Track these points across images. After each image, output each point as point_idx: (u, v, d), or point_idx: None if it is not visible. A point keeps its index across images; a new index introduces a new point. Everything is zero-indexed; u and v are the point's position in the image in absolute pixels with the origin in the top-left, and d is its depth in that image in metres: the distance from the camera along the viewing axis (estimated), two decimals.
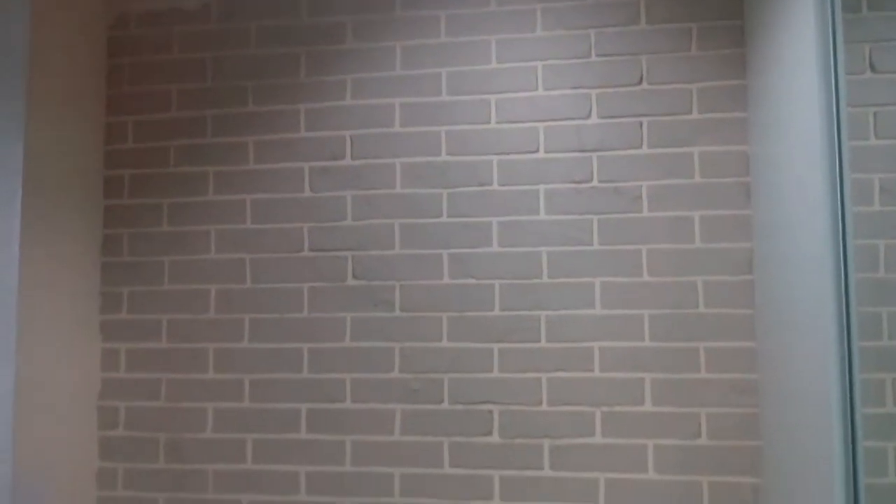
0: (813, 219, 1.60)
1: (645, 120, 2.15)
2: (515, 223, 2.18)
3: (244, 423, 2.26)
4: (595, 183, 2.16)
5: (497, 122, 2.22)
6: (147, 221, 2.37)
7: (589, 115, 2.18)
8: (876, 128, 1.82)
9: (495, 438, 2.14)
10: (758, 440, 2.02)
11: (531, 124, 2.20)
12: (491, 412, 2.14)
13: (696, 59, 2.15)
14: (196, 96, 2.38)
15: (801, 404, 1.67)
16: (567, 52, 2.20)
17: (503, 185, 2.20)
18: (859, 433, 1.47)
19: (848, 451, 1.47)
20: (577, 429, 2.10)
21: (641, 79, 2.16)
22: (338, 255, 2.26)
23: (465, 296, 2.19)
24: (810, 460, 1.62)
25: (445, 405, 2.16)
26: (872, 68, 1.84)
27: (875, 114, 1.82)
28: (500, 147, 2.21)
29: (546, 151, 2.18)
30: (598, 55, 2.19)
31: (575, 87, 2.19)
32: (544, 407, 2.12)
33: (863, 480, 1.46)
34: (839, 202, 1.53)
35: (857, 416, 1.47)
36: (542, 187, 2.18)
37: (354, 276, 2.24)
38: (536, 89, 2.21)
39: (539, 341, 2.14)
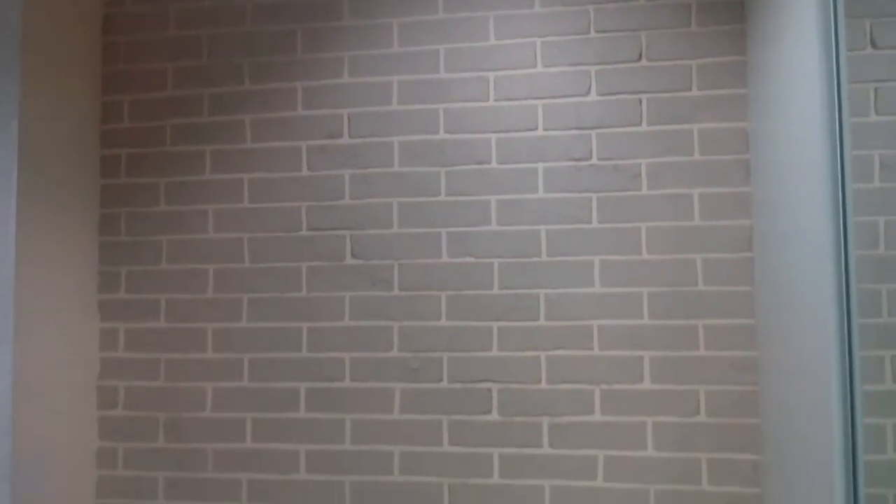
0: (813, 196, 1.59)
1: (644, 97, 2.14)
2: (514, 201, 2.17)
3: (243, 403, 2.26)
4: (594, 161, 2.15)
5: (495, 100, 2.20)
6: (144, 201, 2.36)
7: (588, 92, 2.16)
8: (876, 104, 1.81)
9: (494, 416, 2.14)
10: (757, 417, 2.03)
11: (530, 101, 2.18)
12: (490, 390, 2.15)
13: (696, 35, 2.13)
14: (192, 74, 2.36)
15: (801, 381, 1.67)
16: (566, 28, 2.18)
17: (502, 164, 2.18)
18: (859, 410, 1.47)
19: (847, 428, 1.48)
20: (576, 407, 2.11)
21: (641, 55, 2.15)
22: (336, 234, 2.25)
23: (463, 274, 2.18)
24: (810, 437, 1.63)
25: (444, 384, 2.17)
26: (873, 44, 1.82)
27: (876, 90, 1.81)
28: (499, 125, 2.19)
29: (545, 129, 2.17)
30: (596, 31, 2.17)
31: (574, 64, 2.17)
32: (543, 385, 2.12)
33: (862, 457, 1.46)
34: (839, 179, 1.52)
35: (857, 393, 1.47)
36: (540, 165, 2.16)
37: (353, 256, 2.24)
38: (535, 66, 2.19)
39: (538, 320, 2.14)
